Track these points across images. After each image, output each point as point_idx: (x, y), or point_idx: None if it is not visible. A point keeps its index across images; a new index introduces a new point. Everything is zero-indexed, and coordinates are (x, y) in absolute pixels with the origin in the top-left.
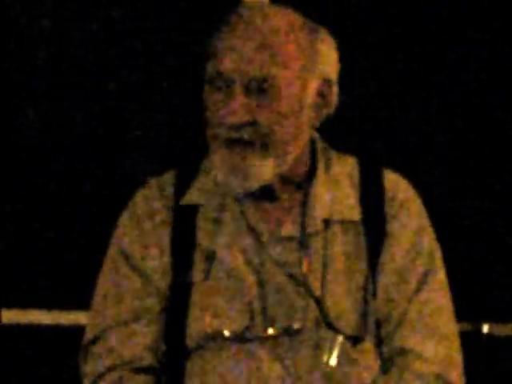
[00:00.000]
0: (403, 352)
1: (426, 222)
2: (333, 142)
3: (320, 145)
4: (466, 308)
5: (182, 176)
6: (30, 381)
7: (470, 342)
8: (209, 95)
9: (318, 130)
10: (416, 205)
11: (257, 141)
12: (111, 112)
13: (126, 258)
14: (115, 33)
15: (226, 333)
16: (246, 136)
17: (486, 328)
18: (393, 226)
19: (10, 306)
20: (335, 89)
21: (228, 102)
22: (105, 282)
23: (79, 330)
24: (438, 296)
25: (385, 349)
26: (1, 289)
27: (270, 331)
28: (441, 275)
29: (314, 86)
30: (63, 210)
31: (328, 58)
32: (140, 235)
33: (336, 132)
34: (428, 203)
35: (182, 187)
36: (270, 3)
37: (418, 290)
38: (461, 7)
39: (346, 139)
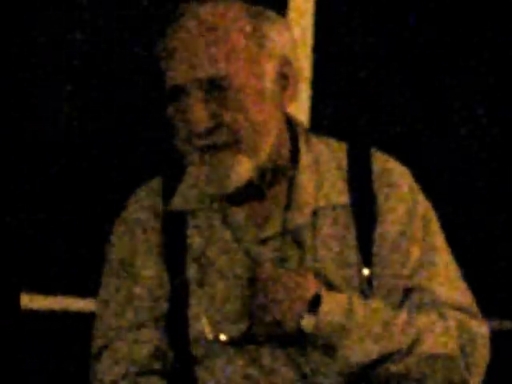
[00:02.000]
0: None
1: (419, 196)
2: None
3: (299, 128)
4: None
5: (167, 182)
6: (46, 366)
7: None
8: (170, 110)
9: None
10: (407, 181)
11: (227, 141)
12: (130, 126)
13: (123, 266)
14: (116, 35)
15: (223, 337)
16: (215, 140)
17: None
18: (385, 206)
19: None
20: (296, 66)
21: (190, 108)
22: (106, 291)
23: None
24: (440, 253)
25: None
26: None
27: (266, 334)
28: (439, 238)
29: (270, 70)
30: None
31: (279, 38)
32: (133, 244)
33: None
34: (433, 201)
35: (168, 193)
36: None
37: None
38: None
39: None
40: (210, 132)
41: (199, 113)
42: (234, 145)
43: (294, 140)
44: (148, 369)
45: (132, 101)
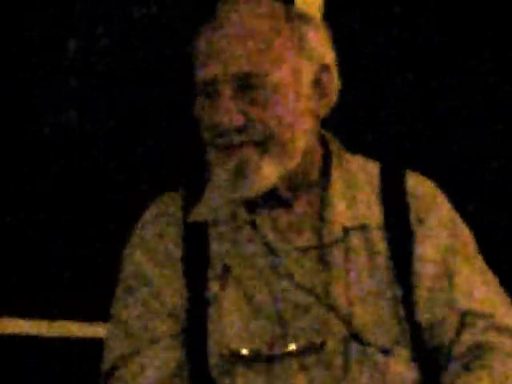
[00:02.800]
0: (479, 346)
1: (457, 221)
2: (353, 146)
3: (333, 144)
4: None
5: (188, 193)
6: None
7: None
8: (199, 105)
9: (334, 131)
10: (444, 207)
11: (256, 142)
12: (131, 126)
13: (139, 280)
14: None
15: (244, 351)
16: (243, 139)
17: None
18: (422, 232)
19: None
20: (334, 74)
21: (218, 106)
22: (120, 306)
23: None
24: (485, 275)
25: (454, 348)
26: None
27: (291, 347)
28: (480, 261)
29: (307, 73)
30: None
31: (319, 43)
32: (151, 257)
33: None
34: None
35: (189, 204)
36: None
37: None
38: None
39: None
40: (237, 130)
41: (229, 110)
42: (262, 145)
43: (327, 155)
44: None
45: (133, 101)
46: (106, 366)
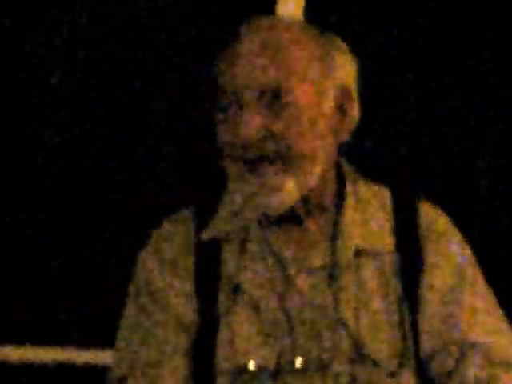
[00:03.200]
0: (477, 381)
1: (467, 253)
2: (362, 167)
3: (347, 169)
4: None
5: (201, 210)
6: None
7: None
8: (220, 114)
9: (346, 156)
10: (455, 237)
11: (276, 157)
12: (132, 127)
13: (150, 294)
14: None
15: (252, 367)
16: (264, 152)
17: None
18: (432, 260)
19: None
20: (355, 100)
21: (242, 116)
22: (130, 319)
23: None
24: (493, 309)
25: (453, 380)
26: None
27: (299, 364)
28: (488, 293)
29: (330, 96)
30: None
31: (344, 68)
32: (162, 272)
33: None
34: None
35: (202, 221)
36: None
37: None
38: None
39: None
40: (257, 142)
41: (251, 121)
42: (283, 161)
43: (341, 180)
44: None
45: (133, 101)
46: (113, 376)
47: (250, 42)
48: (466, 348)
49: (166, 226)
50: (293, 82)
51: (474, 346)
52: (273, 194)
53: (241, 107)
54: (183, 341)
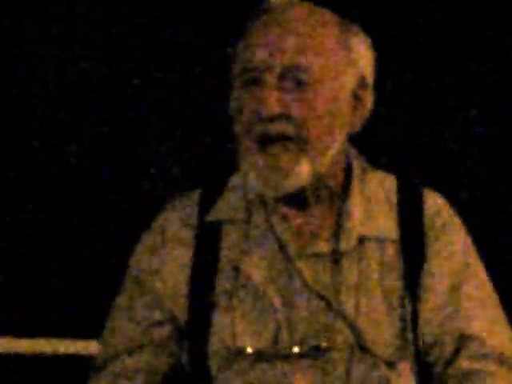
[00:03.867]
0: (472, 373)
1: (470, 244)
2: (370, 157)
3: (355, 158)
4: None
5: (207, 194)
6: None
7: None
8: (239, 90)
9: (355, 144)
10: (459, 227)
11: (292, 136)
12: (131, 126)
13: (140, 282)
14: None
15: (249, 350)
16: (280, 129)
17: None
18: (435, 248)
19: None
20: (370, 91)
21: (261, 93)
22: (119, 305)
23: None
24: (492, 301)
25: (448, 370)
26: None
27: (296, 349)
28: (488, 285)
29: (349, 83)
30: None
31: (363, 57)
32: (157, 259)
33: (374, 148)
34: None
35: (207, 205)
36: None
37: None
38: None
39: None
40: (275, 119)
41: (271, 96)
42: (296, 143)
43: (349, 169)
44: None
45: (133, 101)
46: (98, 360)
47: (270, 24)
48: (462, 340)
49: (171, 207)
50: (313, 62)
51: (470, 337)
52: (286, 174)
53: (263, 85)
54: (170, 330)
